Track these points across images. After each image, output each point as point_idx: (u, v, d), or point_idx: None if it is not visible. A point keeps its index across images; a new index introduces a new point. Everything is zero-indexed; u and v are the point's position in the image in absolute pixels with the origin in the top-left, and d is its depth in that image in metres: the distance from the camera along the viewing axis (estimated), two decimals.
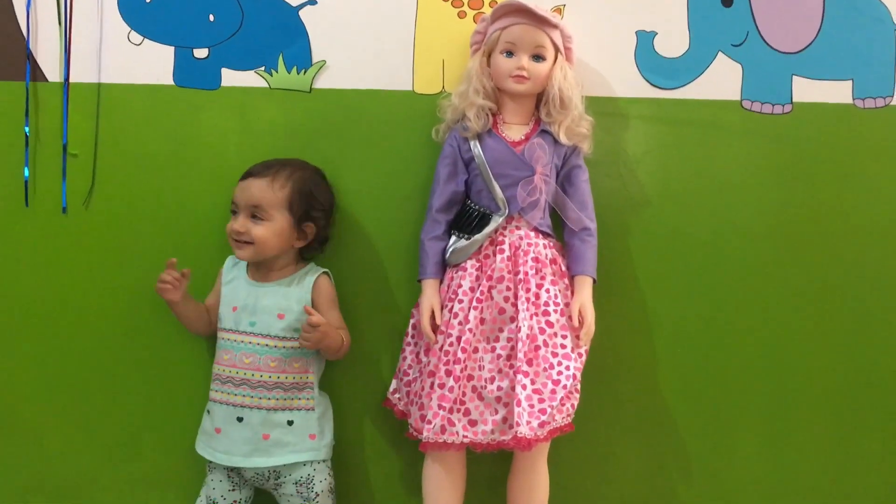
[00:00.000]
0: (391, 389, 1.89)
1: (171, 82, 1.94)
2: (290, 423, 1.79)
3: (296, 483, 1.80)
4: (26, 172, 1.95)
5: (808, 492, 1.99)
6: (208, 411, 1.84)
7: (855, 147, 1.95)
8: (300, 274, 1.84)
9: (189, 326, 1.90)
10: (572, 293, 1.82)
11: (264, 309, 1.80)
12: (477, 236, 1.80)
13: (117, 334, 1.97)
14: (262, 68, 1.94)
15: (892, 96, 1.94)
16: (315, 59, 1.94)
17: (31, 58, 1.94)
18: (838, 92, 1.94)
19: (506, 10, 1.78)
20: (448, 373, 1.74)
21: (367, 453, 1.99)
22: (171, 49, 1.94)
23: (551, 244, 1.83)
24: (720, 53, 1.94)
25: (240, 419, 1.79)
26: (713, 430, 1.99)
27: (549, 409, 1.72)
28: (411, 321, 1.89)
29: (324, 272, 1.86)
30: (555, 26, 1.80)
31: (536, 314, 1.77)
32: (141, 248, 1.96)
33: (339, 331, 1.82)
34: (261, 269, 1.85)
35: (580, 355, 1.79)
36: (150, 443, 1.99)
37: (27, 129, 1.94)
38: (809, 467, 1.99)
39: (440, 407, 1.73)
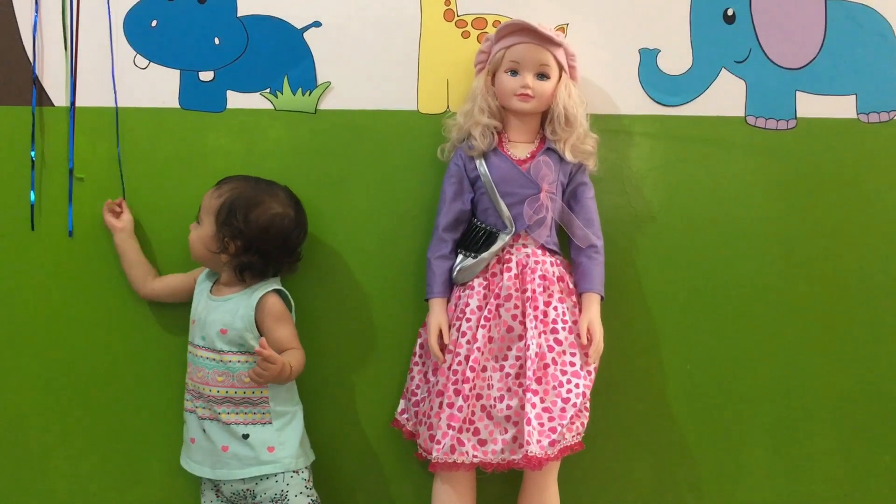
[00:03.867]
0: (399, 410, 1.88)
1: (177, 105, 1.95)
2: (245, 436, 1.77)
3: (271, 501, 1.78)
4: (32, 196, 1.95)
5: None
6: (185, 421, 1.84)
7: (860, 162, 1.96)
8: (249, 290, 1.80)
9: (127, 271, 1.91)
10: (580, 311, 1.81)
11: (211, 323, 1.78)
12: (484, 255, 1.80)
13: (124, 358, 1.97)
14: (268, 90, 1.95)
15: None
16: (320, 80, 1.95)
17: (36, 82, 1.94)
18: (842, 107, 1.95)
19: (510, 29, 1.79)
20: (457, 392, 1.73)
21: (376, 475, 1.97)
22: (177, 72, 1.95)
23: (558, 262, 1.83)
24: (723, 70, 1.95)
25: (203, 430, 1.79)
26: (724, 445, 1.98)
27: (559, 428, 1.71)
28: (419, 340, 1.89)
29: (273, 290, 1.80)
30: (559, 45, 1.80)
31: (545, 332, 1.76)
32: None
33: (288, 355, 1.76)
34: (217, 284, 1.84)
35: (589, 373, 1.78)
36: (157, 467, 1.98)
37: (33, 153, 1.94)
38: (821, 481, 1.98)
39: (449, 427, 1.72)
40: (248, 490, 1.79)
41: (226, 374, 1.76)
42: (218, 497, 1.83)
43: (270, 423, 1.78)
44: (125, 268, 1.91)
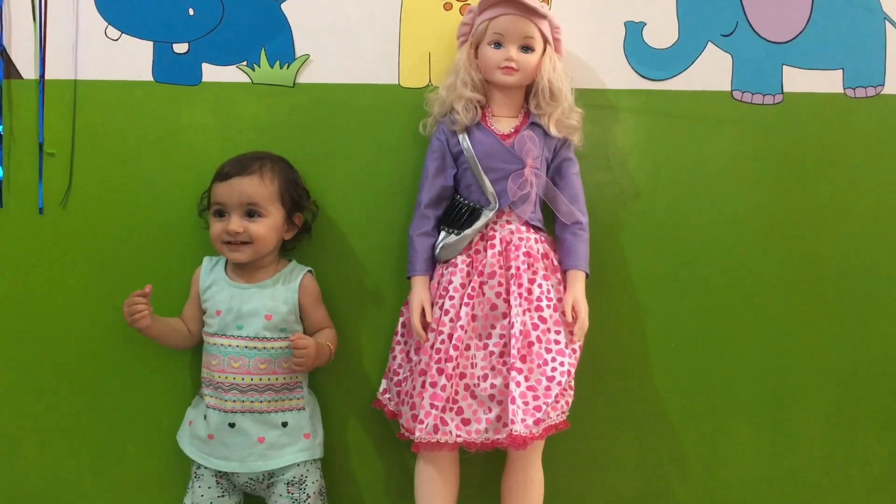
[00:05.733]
0: (381, 389, 1.86)
1: (151, 78, 1.90)
2: (284, 424, 1.76)
3: (287, 484, 1.77)
4: (1, 172, 1.90)
5: (804, 486, 1.98)
6: (204, 416, 1.78)
7: (846, 136, 1.95)
8: (284, 273, 1.81)
9: (167, 344, 1.84)
10: (565, 288, 1.79)
11: (251, 311, 1.76)
12: (467, 231, 1.77)
13: (96, 336, 1.93)
14: (244, 63, 1.91)
15: (883, 85, 1.93)
16: (298, 53, 1.90)
17: (4, 54, 1.89)
18: (829, 81, 1.93)
19: (493, 0, 1.75)
20: (440, 371, 1.70)
21: (358, 455, 1.95)
22: (150, 44, 1.90)
23: (543, 238, 1.81)
24: (710, 44, 1.92)
25: (231, 425, 1.75)
26: (708, 424, 1.97)
27: (543, 406, 1.69)
28: (401, 319, 1.86)
29: (308, 271, 1.83)
30: (543, 16, 1.77)
31: (529, 310, 1.74)
32: (120, 249, 1.92)
33: (325, 335, 1.80)
34: (245, 270, 1.81)
35: (574, 351, 1.76)
36: (133, 447, 1.95)
37: (1, 127, 1.89)
38: (804, 461, 1.98)
39: (432, 406, 1.69)
40: (268, 473, 1.77)
41: (268, 360, 1.75)
42: (218, 484, 1.79)
43: (304, 408, 1.79)
44: (170, 345, 1.84)
